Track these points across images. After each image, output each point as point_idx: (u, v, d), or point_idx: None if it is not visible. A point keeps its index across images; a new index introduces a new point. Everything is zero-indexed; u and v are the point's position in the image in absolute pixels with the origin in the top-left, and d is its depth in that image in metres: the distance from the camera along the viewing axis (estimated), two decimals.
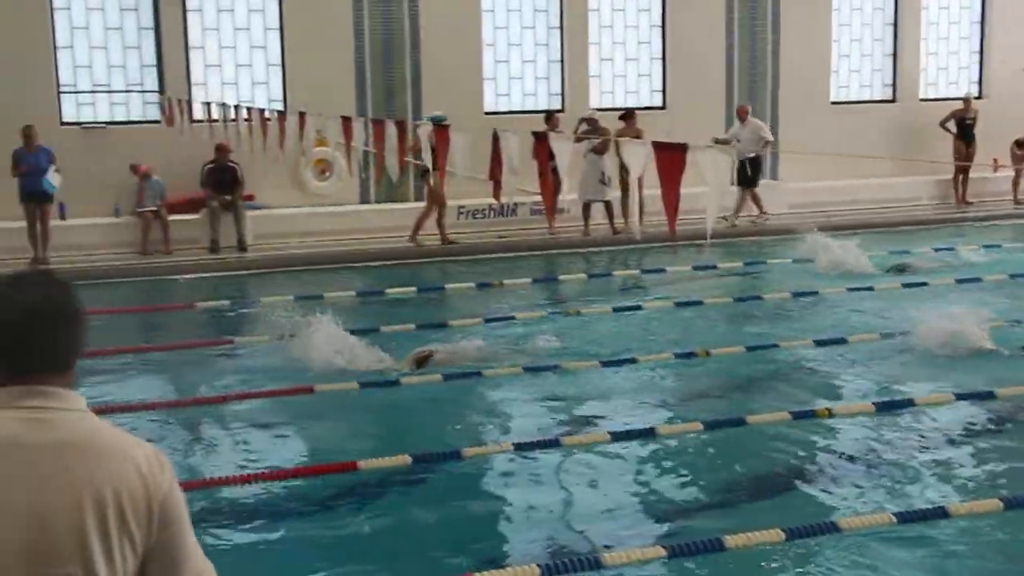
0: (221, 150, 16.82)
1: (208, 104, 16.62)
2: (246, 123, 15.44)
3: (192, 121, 16.45)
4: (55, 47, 17.45)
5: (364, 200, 18.76)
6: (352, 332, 11.34)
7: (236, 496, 7.06)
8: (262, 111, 15.33)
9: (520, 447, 7.71)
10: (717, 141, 16.39)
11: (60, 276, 2.55)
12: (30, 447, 2.35)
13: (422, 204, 17.29)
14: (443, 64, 18.78)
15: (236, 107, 15.85)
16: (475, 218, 18.05)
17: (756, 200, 18.80)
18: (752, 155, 18.56)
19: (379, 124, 12.77)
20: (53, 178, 15.68)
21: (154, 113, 18.02)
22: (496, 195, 11.29)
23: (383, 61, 18.74)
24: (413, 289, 14.07)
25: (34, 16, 17.13)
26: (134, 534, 2.40)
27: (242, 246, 16.91)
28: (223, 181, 17.01)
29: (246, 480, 7.23)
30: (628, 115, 18.43)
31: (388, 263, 16.16)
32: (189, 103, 16.70)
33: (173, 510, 2.46)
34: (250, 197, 17.57)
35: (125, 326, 12.65)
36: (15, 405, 2.38)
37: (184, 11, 17.97)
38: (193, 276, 15.39)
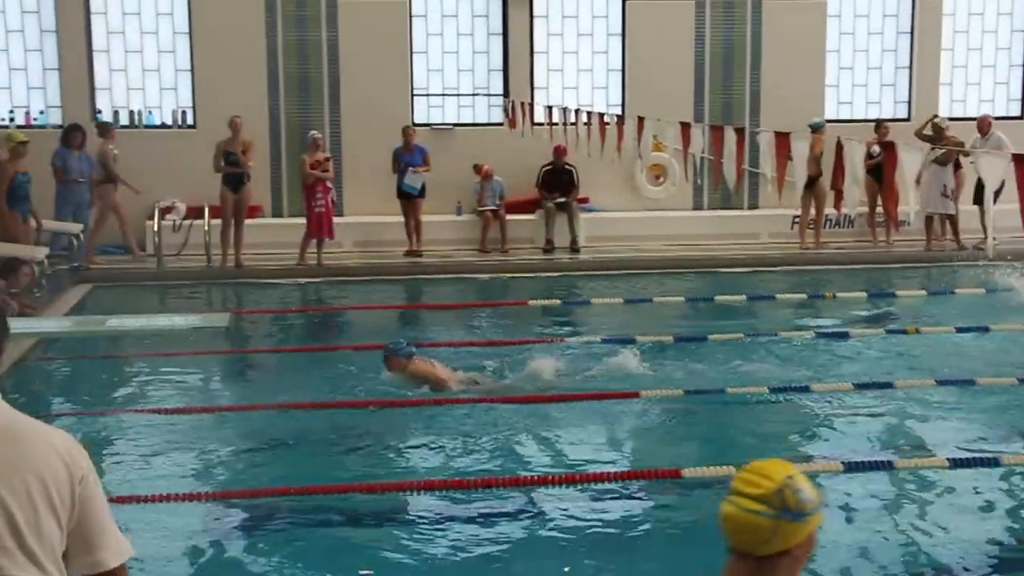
0: (559, 152, 17.22)
1: (549, 108, 17.01)
2: (585, 127, 15.72)
3: (533, 124, 16.88)
4: (411, 52, 18.40)
5: (697, 207, 18.69)
6: (678, 340, 11.38)
7: (553, 495, 7.18)
8: (601, 115, 15.56)
9: (850, 467, 7.46)
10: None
11: None
12: None
13: (757, 212, 16.96)
14: (783, 69, 18.37)
15: (576, 111, 16.16)
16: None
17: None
18: None
19: (717, 131, 12.66)
20: (410, 178, 16.57)
21: (497, 115, 18.66)
22: (837, 205, 11.03)
23: (723, 67, 18.58)
24: (743, 297, 13.90)
25: (395, 24, 18.10)
26: (59, 512, 2.59)
27: (575, 247, 17.26)
28: (559, 183, 17.44)
29: (566, 481, 7.34)
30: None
31: (720, 270, 16.08)
32: (531, 106, 17.16)
33: (91, 488, 2.67)
34: (584, 200, 17.90)
35: (463, 320, 13.19)
36: None
37: (531, 17, 18.51)
38: (528, 275, 15.85)
